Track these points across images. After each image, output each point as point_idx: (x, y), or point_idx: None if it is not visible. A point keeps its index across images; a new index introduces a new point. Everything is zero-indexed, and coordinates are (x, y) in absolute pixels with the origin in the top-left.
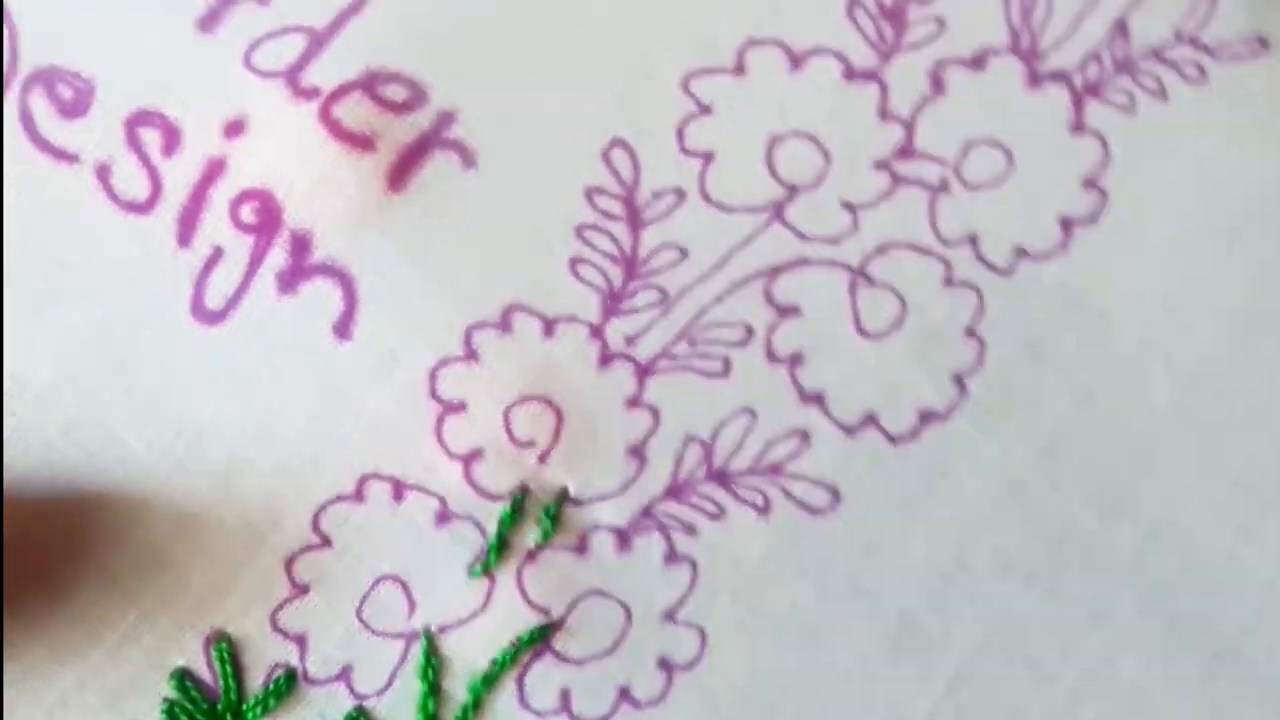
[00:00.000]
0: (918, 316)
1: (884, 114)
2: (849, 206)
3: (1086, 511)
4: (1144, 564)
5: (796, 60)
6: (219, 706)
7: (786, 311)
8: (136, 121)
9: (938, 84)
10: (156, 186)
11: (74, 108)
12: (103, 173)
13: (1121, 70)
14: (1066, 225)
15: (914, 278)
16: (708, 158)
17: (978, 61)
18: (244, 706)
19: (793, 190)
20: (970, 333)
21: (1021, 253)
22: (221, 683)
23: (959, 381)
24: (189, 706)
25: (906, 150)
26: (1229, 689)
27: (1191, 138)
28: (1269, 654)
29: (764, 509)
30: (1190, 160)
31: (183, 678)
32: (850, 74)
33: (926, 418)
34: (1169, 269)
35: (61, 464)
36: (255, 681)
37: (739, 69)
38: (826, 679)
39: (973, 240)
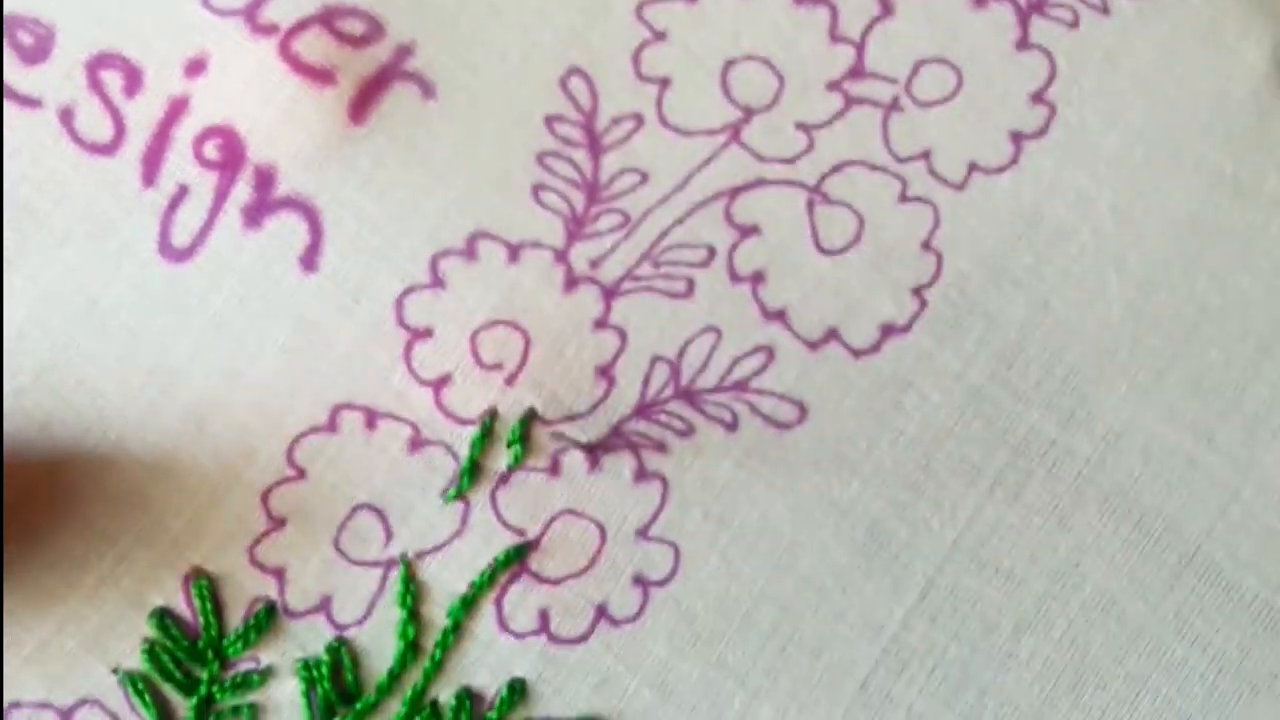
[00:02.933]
0: (875, 232)
1: (834, 36)
2: (803, 127)
3: (1047, 419)
4: (1106, 469)
5: None
6: (200, 643)
7: (747, 231)
8: (97, 64)
9: (885, 5)
10: (120, 128)
11: (35, 53)
12: (66, 116)
13: None
14: (1016, 139)
15: (870, 195)
16: (664, 83)
17: None
18: (225, 642)
19: (748, 112)
20: (927, 246)
21: (974, 167)
22: (201, 620)
23: (918, 294)
24: (170, 645)
25: (857, 70)
26: (1195, 591)
27: (1134, 50)
28: (1233, 556)
29: (732, 425)
30: (1134, 72)
31: (162, 617)
32: None
33: (887, 331)
34: (1118, 179)
35: (34, 409)
36: (235, 617)
37: None
38: (800, 591)
39: (926, 156)
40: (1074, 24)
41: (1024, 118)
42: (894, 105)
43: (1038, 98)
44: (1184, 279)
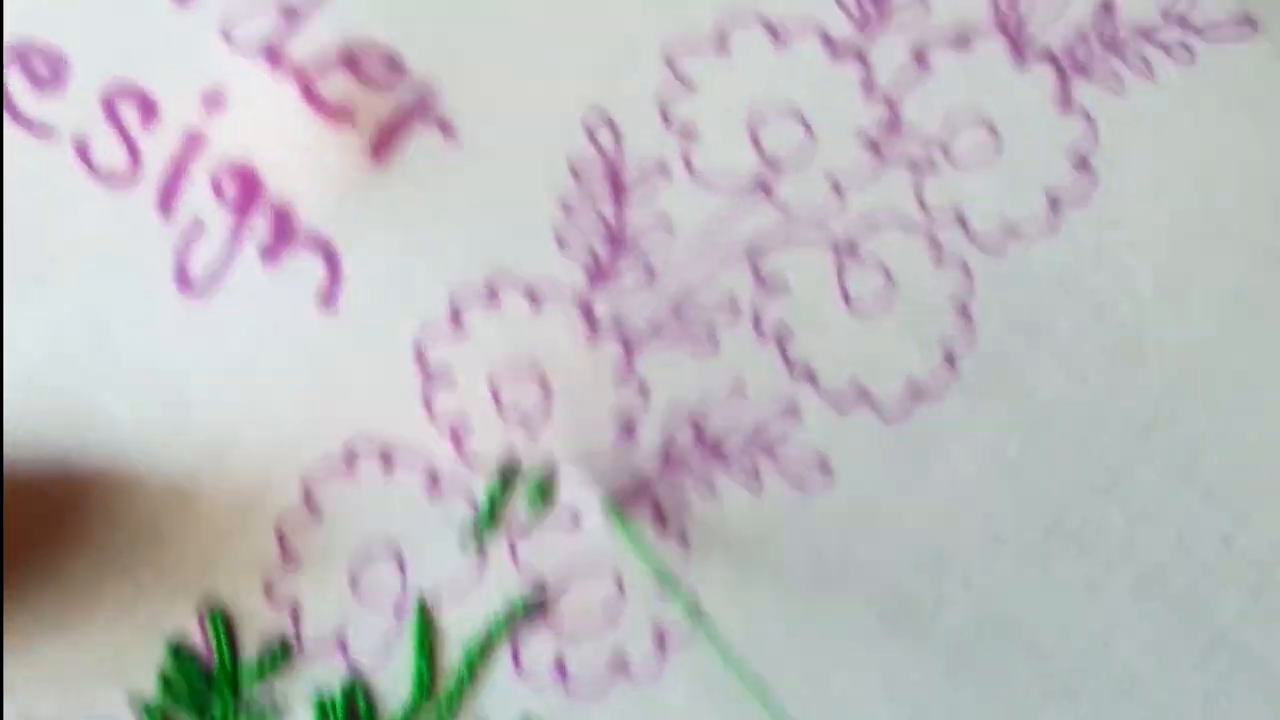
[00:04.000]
0: (907, 294)
1: (869, 90)
2: (835, 184)
3: (1079, 493)
4: (1138, 546)
5: (779, 36)
6: (214, 676)
7: (774, 287)
8: (113, 94)
9: (922, 61)
10: (135, 159)
11: (50, 82)
12: (81, 146)
13: (1109, 50)
14: (1055, 205)
15: (902, 255)
16: (692, 133)
17: (961, 40)
18: (239, 676)
19: (778, 166)
20: (961, 311)
21: (1011, 233)
22: (216, 653)
23: (950, 360)
24: (184, 677)
25: (892, 127)
26: (1225, 672)
27: (1180, 119)
28: (1265, 638)
29: (756, 485)
30: (1179, 142)
31: (177, 649)
32: (835, 52)
33: (918, 395)
34: (1161, 251)
35: (51, 442)
36: (249, 652)
37: (722, 47)
38: (820, 654)
39: (961, 219)
40: (1119, 89)
41: (1064, 183)
42: (929, 164)
43: (1080, 164)
44: (1225, 355)
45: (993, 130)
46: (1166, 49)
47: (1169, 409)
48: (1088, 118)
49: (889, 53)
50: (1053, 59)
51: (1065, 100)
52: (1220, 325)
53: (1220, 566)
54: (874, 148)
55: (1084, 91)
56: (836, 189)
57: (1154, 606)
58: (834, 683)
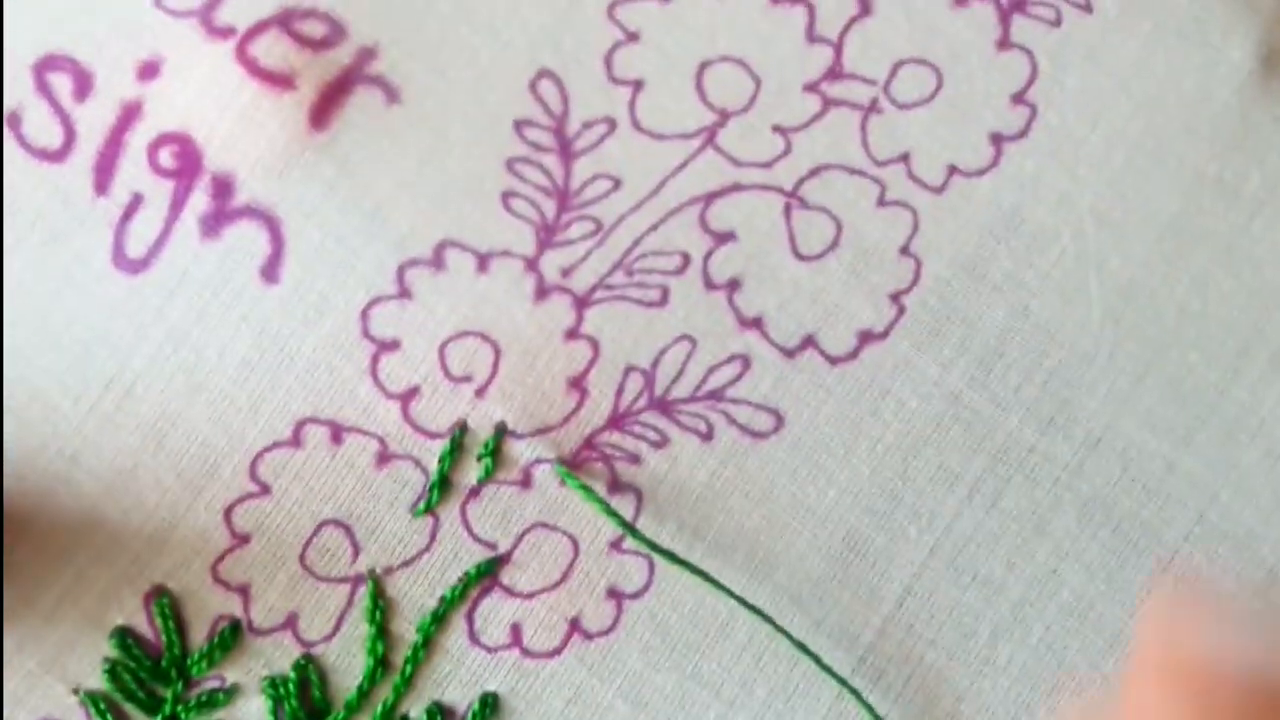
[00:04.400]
0: (852, 237)
1: (812, 36)
2: (780, 130)
3: (1026, 424)
4: (1084, 474)
5: None
6: (163, 662)
7: (722, 237)
8: (45, 67)
9: (864, 5)
10: (70, 133)
11: None
12: (12, 121)
13: None
14: (997, 141)
15: (847, 199)
16: (637, 85)
17: None
18: (188, 661)
19: (724, 115)
20: (905, 251)
21: (954, 170)
22: (164, 638)
23: (896, 300)
24: (132, 664)
25: (835, 72)
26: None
27: (1117, 49)
28: (1211, 559)
29: (707, 435)
30: (1117, 72)
31: (124, 636)
32: None
33: (865, 337)
34: (1100, 181)
35: None
36: (199, 635)
37: None
38: (776, 600)
39: (905, 159)
40: (1056, 22)
41: (1005, 119)
42: (873, 107)
43: (1019, 98)
44: (1165, 282)
45: (934, 70)
46: None
47: (1110, 338)
48: (1027, 53)
49: None
50: None
51: (1004, 37)
52: (1160, 253)
53: (1164, 490)
54: (818, 93)
55: (1022, 27)
56: (782, 135)
57: (1100, 533)
58: (791, 630)
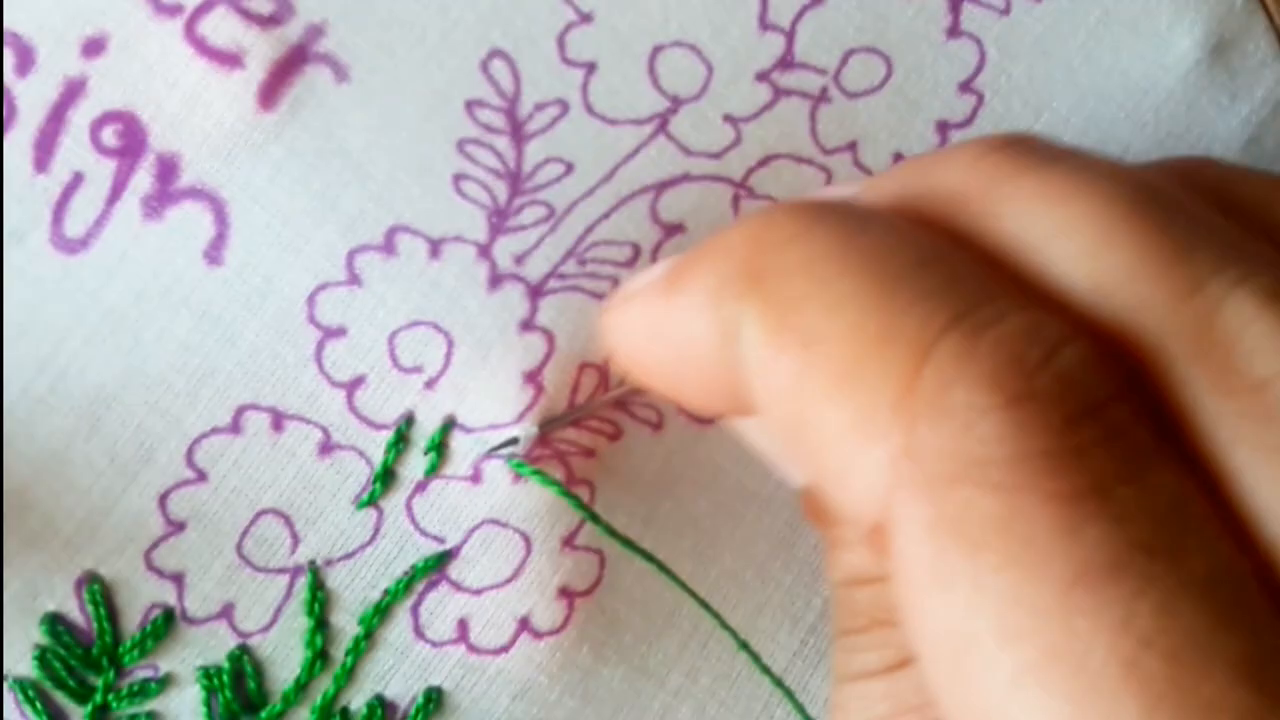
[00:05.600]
0: None
1: (764, 23)
2: (731, 119)
3: None
4: None
5: None
6: (93, 650)
7: (671, 229)
8: None
9: None
10: (10, 109)
11: None
12: None
13: None
14: (942, 129)
15: (795, 188)
16: (590, 68)
17: None
18: (120, 649)
19: (676, 102)
20: None
21: (899, 158)
22: (95, 626)
23: None
24: (62, 652)
25: (787, 61)
26: None
27: (1065, 37)
28: None
29: (658, 424)
30: (1063, 60)
31: (54, 622)
32: None
33: None
34: None
35: None
36: (131, 623)
37: None
38: (721, 585)
39: (852, 147)
40: (1005, 10)
41: (951, 107)
42: (822, 96)
43: (965, 86)
44: None
45: (884, 59)
46: None
47: None
48: (975, 40)
49: None
50: None
51: (954, 25)
52: None
53: None
54: (769, 82)
55: (971, 15)
56: (733, 125)
57: None
58: (732, 616)
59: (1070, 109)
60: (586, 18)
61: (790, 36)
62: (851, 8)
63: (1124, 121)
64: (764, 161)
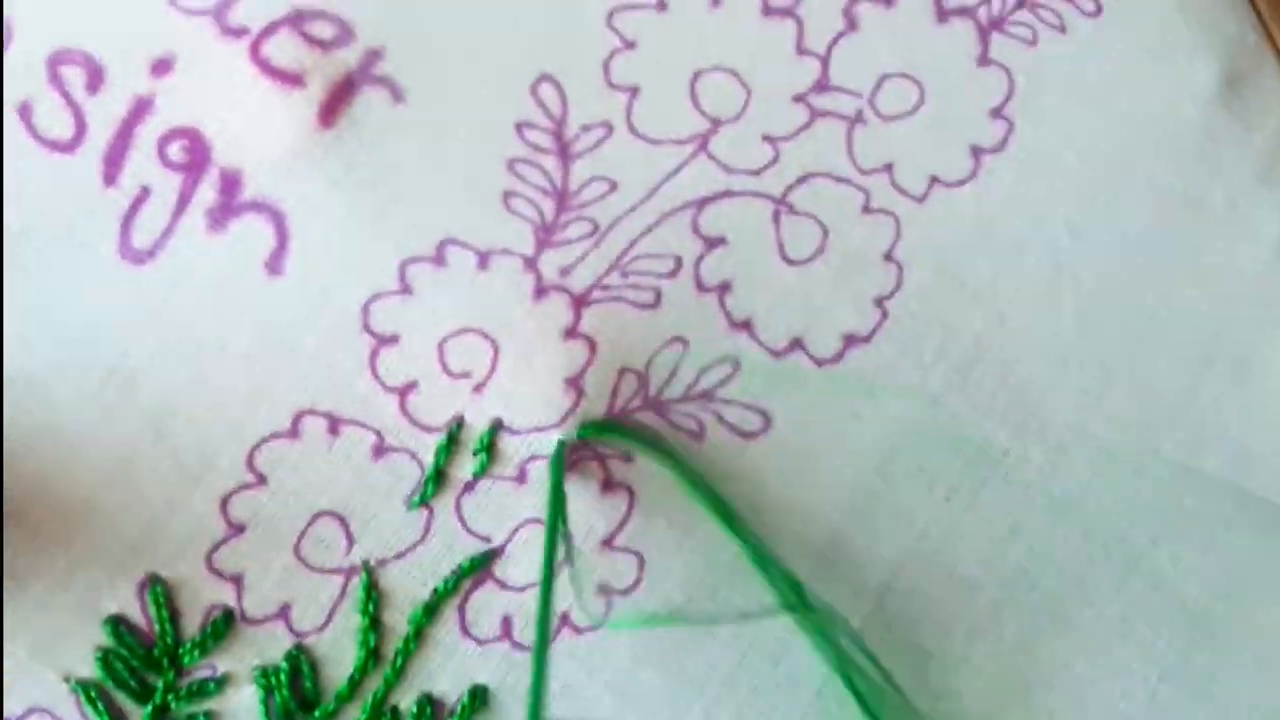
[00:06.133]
0: (838, 243)
1: (800, 49)
2: (770, 139)
3: (1001, 428)
4: (1057, 477)
5: None
6: (155, 651)
7: (713, 242)
8: (58, 60)
9: (850, 20)
10: (81, 125)
11: None
12: (24, 112)
13: (1022, 6)
14: (976, 154)
15: (834, 206)
16: (634, 92)
17: None
18: (181, 650)
19: (716, 123)
20: (888, 257)
21: (935, 180)
22: (157, 627)
23: (879, 305)
24: (124, 653)
25: (823, 84)
26: (1140, 597)
27: (1090, 69)
28: (1174, 562)
29: (698, 434)
30: (1089, 91)
31: (116, 624)
32: (768, 10)
33: (850, 340)
34: (1073, 194)
35: None
36: (192, 624)
37: (661, 5)
38: (760, 597)
39: (888, 169)
40: (1033, 42)
41: (984, 132)
42: (858, 118)
43: (997, 113)
44: (1133, 292)
45: (917, 84)
46: (1075, 3)
47: (1081, 344)
48: (1004, 69)
49: (819, 12)
50: (971, 15)
51: (984, 54)
52: (1129, 264)
53: (1133, 494)
54: (806, 104)
55: (1000, 45)
56: (771, 144)
57: (1072, 535)
58: (770, 628)
59: (1098, 136)
60: (630, 44)
61: (825, 61)
62: (885, 35)
63: (1148, 150)
64: (802, 179)
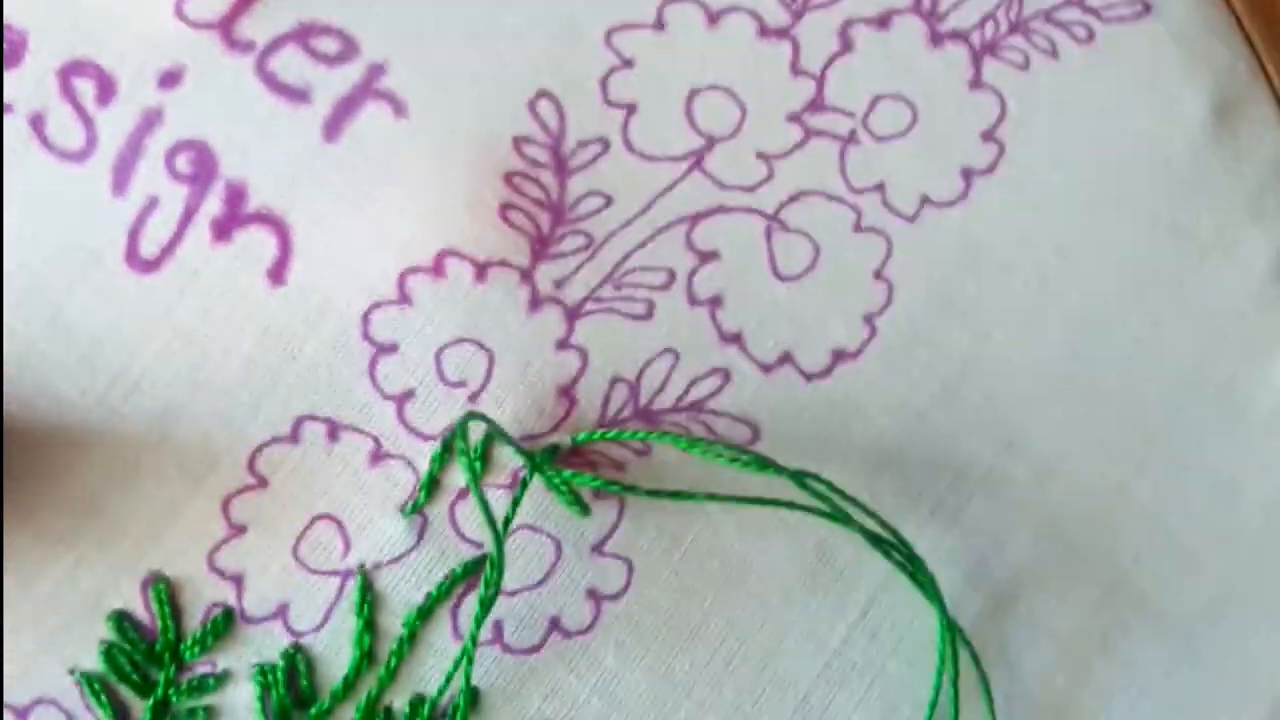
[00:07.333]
0: (829, 261)
1: (795, 69)
2: (764, 157)
3: (986, 445)
4: (1041, 495)
5: (714, 17)
6: (157, 646)
7: (706, 256)
8: (70, 71)
9: (845, 42)
10: (91, 136)
11: (6, 58)
12: (37, 122)
13: (1016, 31)
14: (967, 175)
15: (826, 224)
16: (630, 109)
17: (883, 21)
18: (182, 646)
19: (711, 141)
20: (879, 275)
21: (926, 200)
22: (159, 623)
23: (869, 322)
24: (127, 648)
25: (817, 104)
26: (1121, 614)
27: (1081, 95)
28: (1156, 581)
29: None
30: (1080, 116)
31: (120, 620)
32: (764, 31)
33: (839, 356)
34: (1062, 218)
35: None
36: (193, 621)
37: (659, 25)
38: (747, 607)
39: (880, 188)
40: (1025, 67)
41: (974, 154)
42: (851, 138)
43: (988, 136)
44: (1120, 316)
45: (910, 106)
46: (1068, 29)
47: (1066, 366)
48: (997, 94)
49: (815, 33)
50: (965, 39)
51: (976, 78)
52: (1116, 287)
53: (1115, 513)
54: (800, 123)
55: (993, 69)
56: (765, 162)
57: (1055, 554)
58: (758, 636)
59: (1087, 161)
60: (628, 63)
61: (820, 81)
62: (879, 57)
63: (1137, 176)
64: (795, 197)
